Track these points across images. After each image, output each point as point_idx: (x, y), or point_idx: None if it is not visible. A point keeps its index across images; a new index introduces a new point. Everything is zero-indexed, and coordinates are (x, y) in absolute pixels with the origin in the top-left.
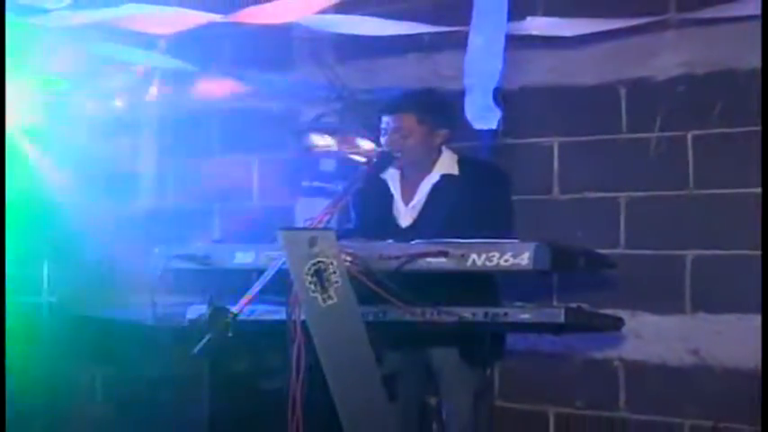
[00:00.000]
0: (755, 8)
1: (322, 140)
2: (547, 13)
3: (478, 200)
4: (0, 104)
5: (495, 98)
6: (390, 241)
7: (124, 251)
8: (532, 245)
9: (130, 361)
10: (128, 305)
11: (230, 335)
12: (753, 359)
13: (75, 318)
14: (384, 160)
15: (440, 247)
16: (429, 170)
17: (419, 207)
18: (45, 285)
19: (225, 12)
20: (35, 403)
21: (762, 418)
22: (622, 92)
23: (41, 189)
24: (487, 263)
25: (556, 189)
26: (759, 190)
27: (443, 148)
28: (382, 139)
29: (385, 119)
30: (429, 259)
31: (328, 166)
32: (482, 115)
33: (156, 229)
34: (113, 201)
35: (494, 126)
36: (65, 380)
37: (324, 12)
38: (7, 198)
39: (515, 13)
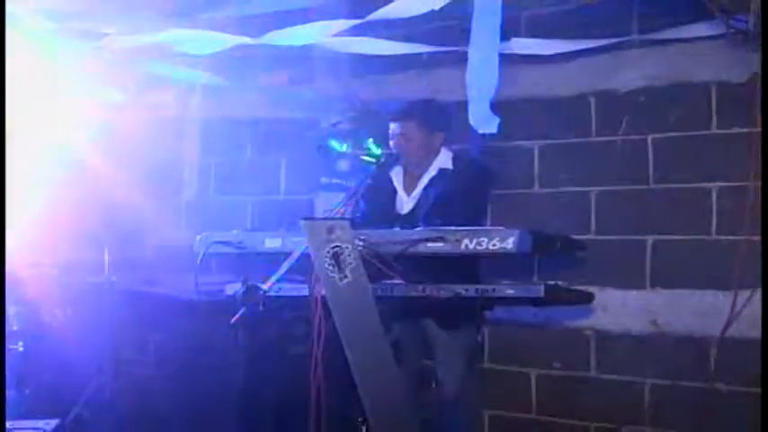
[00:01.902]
0: (705, 30)
1: (338, 144)
2: (528, 35)
3: (461, 188)
4: (0, 104)
5: (492, 107)
6: (396, 229)
7: (172, 238)
8: (516, 231)
9: (177, 330)
10: (175, 283)
11: (261, 308)
12: (702, 327)
13: (132, 294)
14: (390, 161)
15: (438, 234)
16: (428, 167)
17: (417, 196)
18: (107, 267)
19: (254, 35)
20: (101, 365)
21: (762, 417)
22: (592, 102)
23: (103, 184)
24: (478, 247)
25: (536, 184)
26: (707, 184)
27: (442, 148)
28: (391, 143)
29: (392, 125)
30: (429, 244)
31: (343, 165)
32: (484, 121)
33: (199, 219)
34: (163, 195)
35: (494, 130)
36: (125, 346)
37: (339, 35)
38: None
39: (502, 34)
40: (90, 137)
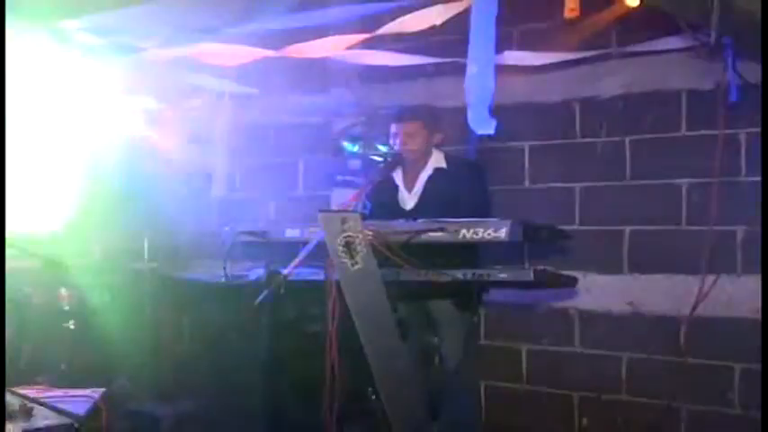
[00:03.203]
0: (675, 43)
1: (351, 145)
2: (519, 48)
3: (461, 185)
4: (0, 103)
5: (490, 111)
6: (401, 221)
7: (204, 228)
8: (508, 222)
9: (209, 310)
10: (206, 269)
11: (282, 291)
12: (673, 308)
13: (169, 278)
14: (396, 160)
15: (438, 225)
16: (424, 166)
17: (419, 193)
18: (146, 254)
19: (275, 48)
20: (142, 341)
21: (762, 413)
22: (576, 107)
23: (143, 182)
24: (474, 236)
25: (527, 180)
26: (678, 181)
27: (434, 149)
28: (394, 142)
29: (396, 126)
30: (430, 234)
31: (355, 164)
32: (482, 124)
33: (227, 212)
34: (197, 191)
35: (492, 132)
36: (163, 324)
37: (352, 48)
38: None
39: (496, 47)
40: (131, 139)
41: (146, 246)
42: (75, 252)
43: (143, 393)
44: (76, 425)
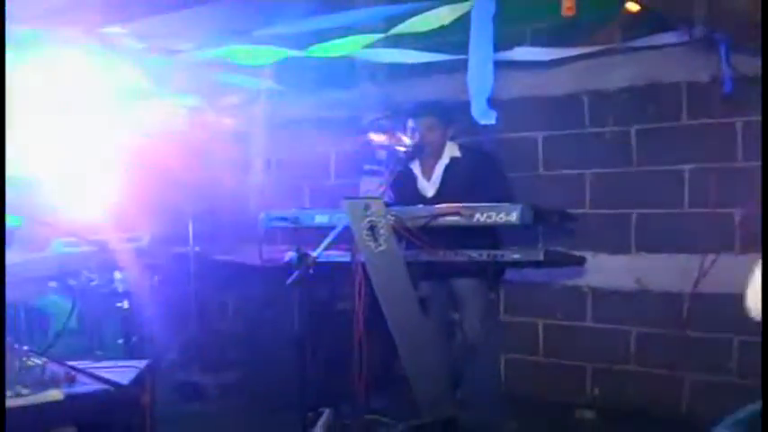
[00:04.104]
0: (673, 38)
1: (377, 137)
2: (531, 45)
3: (476, 172)
4: (0, 103)
5: (489, 103)
6: (420, 206)
7: (241, 215)
8: (519, 206)
9: (248, 290)
10: (244, 252)
11: (312, 272)
12: (677, 285)
13: (211, 261)
14: (413, 152)
15: (454, 209)
16: (440, 156)
17: (438, 182)
18: (190, 239)
19: (300, 48)
20: (188, 319)
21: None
22: (585, 99)
23: (188, 171)
24: (488, 219)
25: (540, 168)
26: (681, 167)
27: (448, 141)
28: (413, 135)
29: (415, 121)
30: (447, 217)
31: (381, 155)
32: (483, 115)
33: (263, 199)
34: (236, 180)
35: (493, 122)
36: (207, 304)
37: (375, 46)
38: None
39: (507, 44)
40: (175, 132)
41: (190, 231)
42: (126, 238)
43: (191, 366)
44: (113, 390)
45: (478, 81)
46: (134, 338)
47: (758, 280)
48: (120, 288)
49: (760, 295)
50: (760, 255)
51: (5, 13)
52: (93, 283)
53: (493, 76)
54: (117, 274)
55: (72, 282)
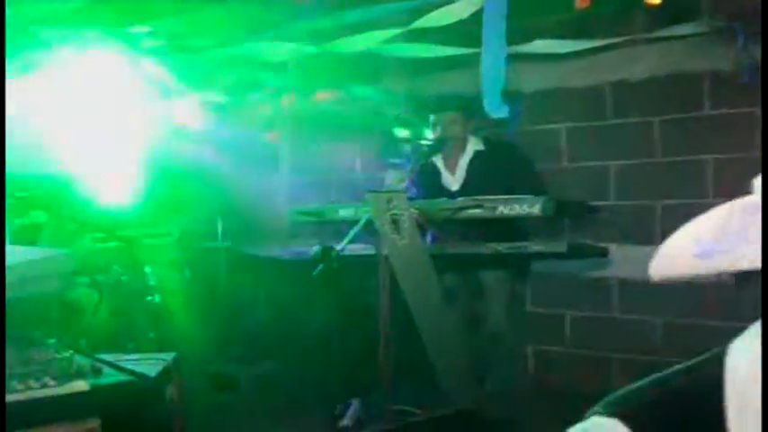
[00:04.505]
0: (694, 28)
1: (400, 131)
2: (551, 37)
3: (501, 164)
4: (0, 104)
5: (503, 96)
6: (444, 199)
7: (269, 210)
8: (541, 198)
9: (276, 284)
10: (271, 246)
11: (336, 265)
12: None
13: (240, 255)
14: (435, 146)
15: (477, 202)
16: (463, 150)
17: (462, 175)
18: (220, 235)
19: (319, 43)
20: (223, 310)
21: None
22: (608, 90)
23: (216, 168)
24: (510, 211)
25: (564, 160)
26: (704, 156)
27: (469, 135)
28: (436, 129)
29: (437, 115)
30: (470, 210)
31: (406, 148)
32: (495, 109)
33: (289, 195)
34: (264, 176)
35: (506, 115)
36: (239, 295)
37: (395, 40)
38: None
39: (527, 36)
40: (200, 129)
41: (219, 226)
42: (156, 233)
43: (220, 355)
44: (138, 381)
45: (491, 75)
46: (165, 332)
47: (676, 242)
48: (151, 282)
49: (668, 261)
50: None
51: (5, 13)
52: (124, 278)
53: (505, 69)
54: (147, 269)
55: (101, 276)
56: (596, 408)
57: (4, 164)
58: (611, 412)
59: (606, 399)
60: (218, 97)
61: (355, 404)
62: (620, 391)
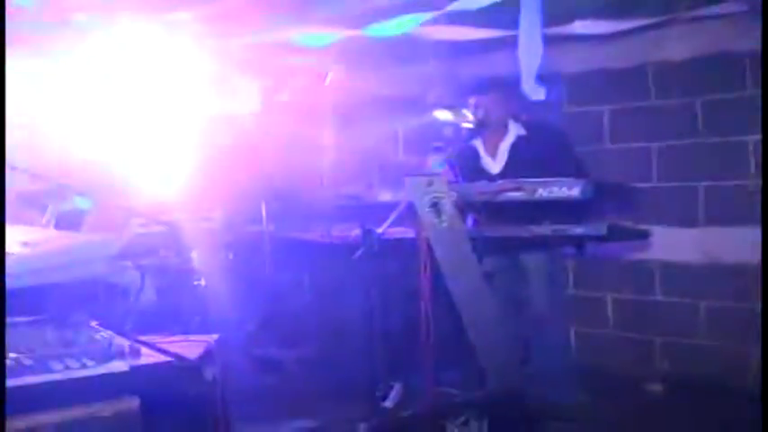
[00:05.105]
0: (736, 7)
1: (441, 114)
2: (592, 17)
3: (545, 147)
4: (0, 104)
5: (538, 79)
6: (483, 182)
7: (310, 195)
8: (581, 181)
9: (319, 267)
10: (314, 230)
11: (377, 248)
12: (744, 256)
13: (284, 239)
14: (479, 126)
15: (516, 185)
16: (504, 134)
17: (504, 159)
18: (264, 218)
19: (360, 27)
20: (265, 295)
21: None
22: (650, 71)
23: (259, 152)
24: (549, 194)
25: (607, 141)
26: (748, 137)
27: (509, 118)
28: (475, 112)
29: (477, 97)
30: (509, 193)
31: (447, 131)
32: (533, 90)
33: (334, 178)
34: (306, 160)
35: (542, 98)
36: (282, 280)
37: (428, 24)
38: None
39: (567, 17)
40: (245, 114)
41: (263, 210)
42: (202, 217)
43: (264, 338)
44: (177, 363)
45: (527, 57)
46: (210, 314)
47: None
48: (197, 266)
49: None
50: None
51: (5, 12)
52: (170, 262)
53: (542, 51)
54: (193, 253)
55: (146, 261)
56: None
57: (4, 163)
58: None
59: None
60: (262, 81)
61: (397, 386)
62: None
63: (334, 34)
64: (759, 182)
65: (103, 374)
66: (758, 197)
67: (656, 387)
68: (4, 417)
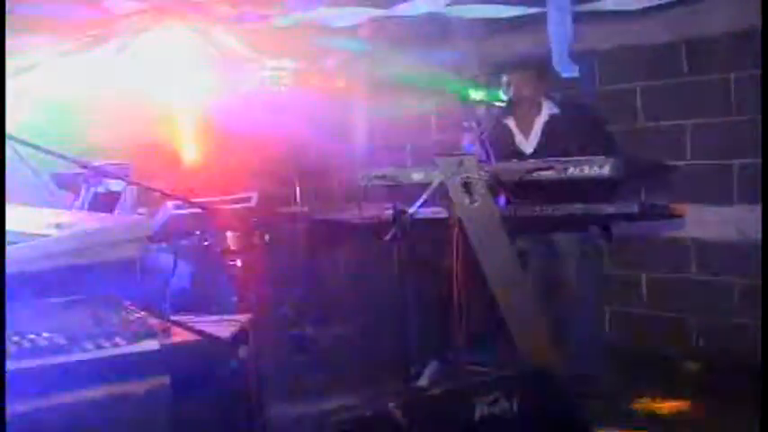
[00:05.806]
0: None
1: (474, 93)
2: None
3: (579, 130)
4: (0, 104)
5: (572, 56)
6: (514, 161)
7: (343, 175)
8: (611, 159)
9: (353, 247)
10: (345, 210)
11: (408, 228)
12: None
13: (316, 220)
14: (511, 105)
15: (547, 164)
16: (537, 112)
17: (537, 139)
18: (298, 200)
19: (386, 7)
20: (301, 276)
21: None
22: (682, 47)
23: (294, 133)
24: (580, 173)
25: (641, 119)
26: None
27: (542, 96)
28: (509, 90)
29: (510, 75)
30: (541, 172)
31: (480, 111)
32: (565, 67)
33: (366, 158)
34: (337, 140)
35: (576, 74)
36: (316, 261)
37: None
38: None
39: None
40: (278, 95)
41: (297, 191)
42: (236, 198)
43: (301, 319)
44: (208, 341)
45: (557, 34)
46: (246, 295)
47: None
48: (233, 247)
49: None
50: None
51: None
52: (206, 243)
53: (573, 27)
54: (229, 234)
55: (181, 242)
56: None
57: (4, 162)
58: None
59: None
60: (291, 63)
61: (433, 364)
62: None
63: (360, 14)
64: None
65: (134, 353)
66: None
67: (692, 366)
68: (5, 415)
